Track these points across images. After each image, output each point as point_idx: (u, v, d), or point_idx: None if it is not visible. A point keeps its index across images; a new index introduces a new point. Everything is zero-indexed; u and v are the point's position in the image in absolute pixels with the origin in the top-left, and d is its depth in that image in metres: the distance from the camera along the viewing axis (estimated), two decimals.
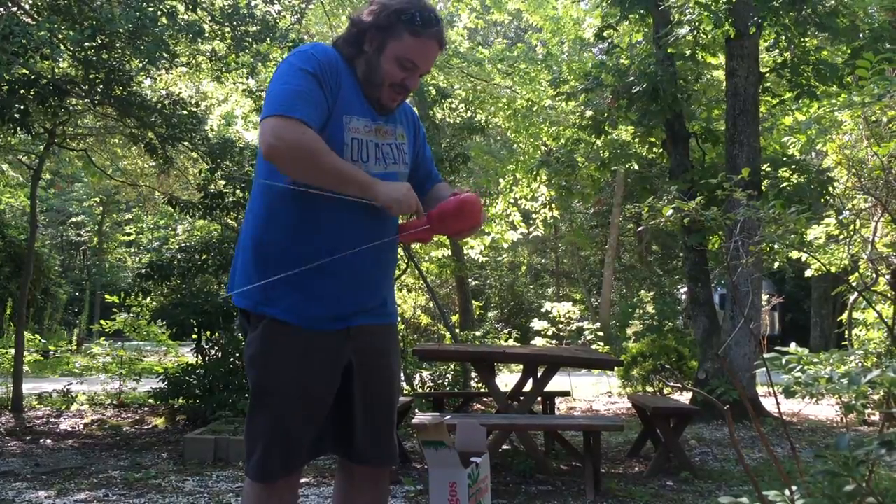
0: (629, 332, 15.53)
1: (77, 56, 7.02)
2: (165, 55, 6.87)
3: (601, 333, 12.57)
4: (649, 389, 10.19)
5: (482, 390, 8.40)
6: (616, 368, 9.87)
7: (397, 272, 10.90)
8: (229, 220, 8.59)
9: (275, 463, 2.07)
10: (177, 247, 9.71)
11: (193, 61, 8.40)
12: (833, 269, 8.48)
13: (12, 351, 8.86)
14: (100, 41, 6.75)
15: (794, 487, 1.92)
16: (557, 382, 8.14)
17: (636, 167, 11.03)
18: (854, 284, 7.84)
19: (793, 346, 2.31)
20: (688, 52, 8.90)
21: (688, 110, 9.53)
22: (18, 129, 7.07)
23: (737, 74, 8.37)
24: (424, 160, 2.43)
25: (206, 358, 7.72)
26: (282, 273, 2.05)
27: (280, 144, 1.94)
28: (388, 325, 2.27)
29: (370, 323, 2.18)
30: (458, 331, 11.92)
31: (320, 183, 2.01)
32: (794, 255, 7.79)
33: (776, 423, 7.66)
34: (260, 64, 7.93)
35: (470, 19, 14.78)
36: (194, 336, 7.82)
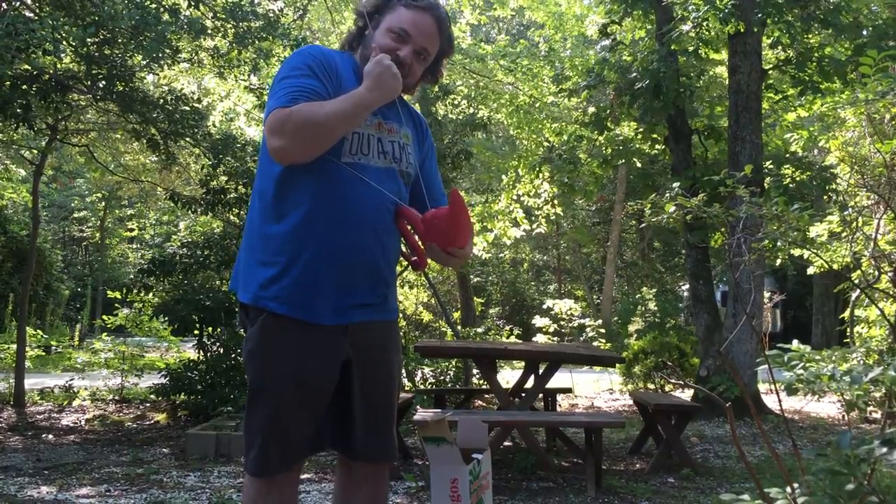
0: (631, 328, 15.51)
1: (79, 52, 7.02)
2: (167, 51, 6.87)
3: (603, 330, 12.56)
4: (651, 386, 10.19)
5: (484, 387, 8.40)
6: (618, 365, 9.90)
7: (398, 268, 10.91)
8: (231, 216, 8.59)
9: (273, 458, 2.07)
10: (179, 243, 9.72)
11: (195, 57, 8.40)
12: (835, 267, 8.46)
13: (14, 346, 8.86)
14: (102, 37, 6.74)
15: (795, 485, 1.92)
16: (559, 379, 8.14)
17: (638, 164, 11.02)
18: (856, 282, 7.83)
19: (795, 344, 2.31)
20: (690, 49, 8.88)
21: (690, 107, 9.51)
22: (21, 124, 7.07)
23: (739, 71, 8.36)
24: (430, 175, 2.37)
25: (208, 354, 7.72)
26: (280, 264, 2.06)
27: (282, 141, 1.96)
28: (388, 321, 2.25)
29: (370, 319, 2.17)
30: (459, 327, 11.93)
31: (337, 134, 2.01)
32: (797, 252, 7.77)
33: (778, 420, 7.66)
34: (262, 60, 7.92)
35: (472, 15, 14.76)
36: (196, 332, 7.84)
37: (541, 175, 11.48)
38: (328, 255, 2.06)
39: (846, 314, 9.44)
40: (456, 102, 13.07)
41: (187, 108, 7.86)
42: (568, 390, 8.22)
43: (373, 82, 2.00)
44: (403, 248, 2.26)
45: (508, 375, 10.58)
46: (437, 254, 2.15)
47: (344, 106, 1.99)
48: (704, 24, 8.11)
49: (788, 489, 1.92)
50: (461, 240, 2.11)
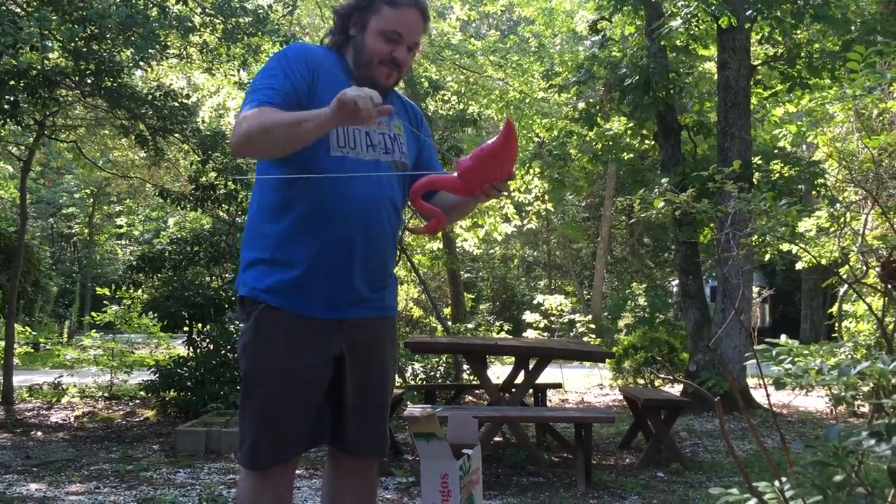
0: (621, 324, 15.56)
1: (67, 47, 6.98)
2: (157, 47, 6.84)
3: (593, 326, 12.58)
4: (640, 381, 10.22)
5: (474, 382, 8.41)
6: (607, 361, 9.91)
7: None
8: (220, 212, 8.56)
9: (266, 451, 2.08)
10: (168, 239, 9.68)
11: (184, 53, 8.36)
12: (823, 262, 8.51)
13: (2, 343, 8.82)
14: (90, 32, 6.70)
15: (783, 478, 1.93)
16: (549, 375, 8.15)
17: (628, 159, 11.04)
18: (844, 277, 7.87)
19: (783, 338, 2.32)
20: (678, 43, 8.89)
21: (679, 103, 9.54)
22: (8, 120, 7.03)
23: (728, 67, 8.38)
24: (429, 162, 2.39)
25: (198, 350, 7.71)
26: (276, 259, 2.10)
27: (233, 140, 1.99)
28: (383, 317, 2.26)
29: (365, 315, 2.18)
30: (449, 323, 11.92)
31: (284, 143, 1.96)
32: (785, 247, 7.81)
33: (766, 414, 7.70)
34: (251, 56, 7.90)
35: (462, 11, 14.74)
36: (185, 328, 7.81)
37: (531, 171, 11.50)
38: (323, 252, 2.08)
39: (834, 309, 9.48)
40: (446, 98, 13.04)
41: (176, 104, 7.83)
42: (558, 386, 8.23)
43: (340, 112, 1.83)
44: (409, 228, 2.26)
45: (499, 371, 10.59)
46: (486, 192, 2.09)
47: (297, 117, 1.94)
48: (694, 20, 8.13)
49: (777, 482, 1.93)
50: (513, 163, 2.08)
